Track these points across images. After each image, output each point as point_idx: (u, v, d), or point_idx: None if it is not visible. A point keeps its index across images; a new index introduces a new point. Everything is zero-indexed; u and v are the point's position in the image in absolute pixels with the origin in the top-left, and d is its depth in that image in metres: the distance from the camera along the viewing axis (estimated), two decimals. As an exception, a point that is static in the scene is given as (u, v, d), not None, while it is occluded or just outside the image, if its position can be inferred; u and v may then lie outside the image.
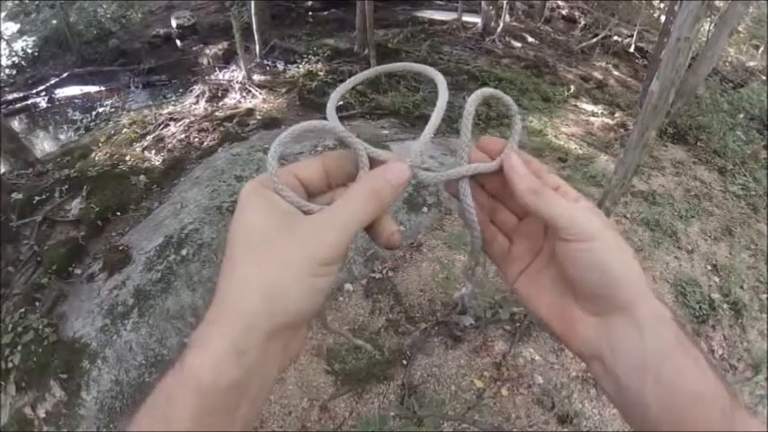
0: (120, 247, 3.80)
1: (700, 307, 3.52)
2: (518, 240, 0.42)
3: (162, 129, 5.65)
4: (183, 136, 5.47)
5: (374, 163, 0.36)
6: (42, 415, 2.89)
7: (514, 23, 10.64)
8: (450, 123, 4.28)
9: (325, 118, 0.39)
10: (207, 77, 7.12)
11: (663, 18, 8.60)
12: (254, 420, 0.33)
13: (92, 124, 7.02)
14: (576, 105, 7.17)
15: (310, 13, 11.90)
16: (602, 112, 6.93)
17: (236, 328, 0.29)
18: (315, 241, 0.32)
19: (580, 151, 5.63)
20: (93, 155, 5.23)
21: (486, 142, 0.40)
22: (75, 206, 4.43)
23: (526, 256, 0.42)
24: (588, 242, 0.34)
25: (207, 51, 9.31)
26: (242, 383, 0.30)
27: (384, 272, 3.56)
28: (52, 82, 8.90)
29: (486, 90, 0.39)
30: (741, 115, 6.23)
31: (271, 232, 0.32)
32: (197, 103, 6.39)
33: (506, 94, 0.41)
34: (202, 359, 0.29)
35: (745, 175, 5.50)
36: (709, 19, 6.88)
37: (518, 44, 9.67)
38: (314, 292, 0.32)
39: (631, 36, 10.59)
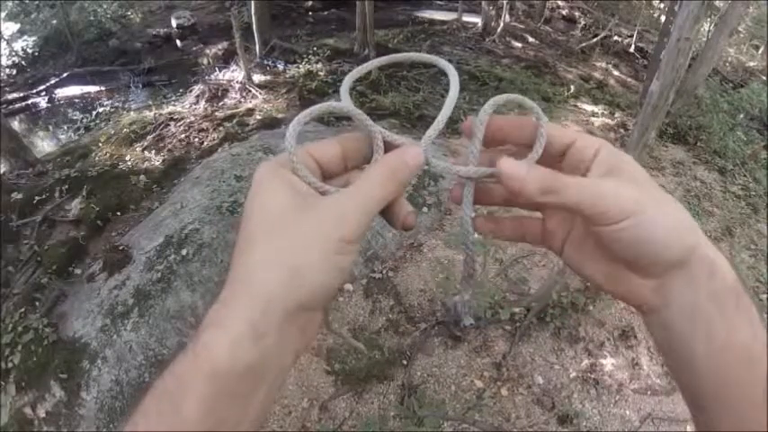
0: (120, 247, 3.80)
1: (700, 307, 3.52)
2: (547, 214, 0.41)
3: (162, 129, 5.65)
4: (183, 136, 5.47)
5: (389, 147, 0.37)
6: (42, 415, 2.89)
7: (515, 23, 10.64)
8: (451, 124, 4.28)
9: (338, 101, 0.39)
10: (207, 77, 7.11)
11: (663, 18, 8.60)
12: (270, 408, 0.32)
13: (92, 124, 7.01)
14: (576, 105, 7.17)
15: (310, 13, 11.91)
16: (602, 113, 6.93)
17: (256, 308, 0.29)
18: (337, 219, 0.32)
19: (580, 151, 5.62)
20: (93, 155, 5.24)
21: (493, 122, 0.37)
22: (76, 206, 4.43)
23: (560, 230, 0.40)
24: (623, 221, 0.31)
25: (207, 51, 9.31)
26: (259, 367, 0.29)
27: (384, 272, 3.56)
28: (52, 82, 8.89)
29: (508, 96, 0.38)
30: (741, 115, 6.23)
31: (290, 211, 0.32)
32: (197, 103, 6.39)
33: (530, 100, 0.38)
34: (219, 340, 0.28)
35: (745, 176, 5.50)
36: (709, 19, 6.88)
37: (518, 44, 9.67)
38: (337, 269, 0.32)
39: (631, 36, 10.59)
